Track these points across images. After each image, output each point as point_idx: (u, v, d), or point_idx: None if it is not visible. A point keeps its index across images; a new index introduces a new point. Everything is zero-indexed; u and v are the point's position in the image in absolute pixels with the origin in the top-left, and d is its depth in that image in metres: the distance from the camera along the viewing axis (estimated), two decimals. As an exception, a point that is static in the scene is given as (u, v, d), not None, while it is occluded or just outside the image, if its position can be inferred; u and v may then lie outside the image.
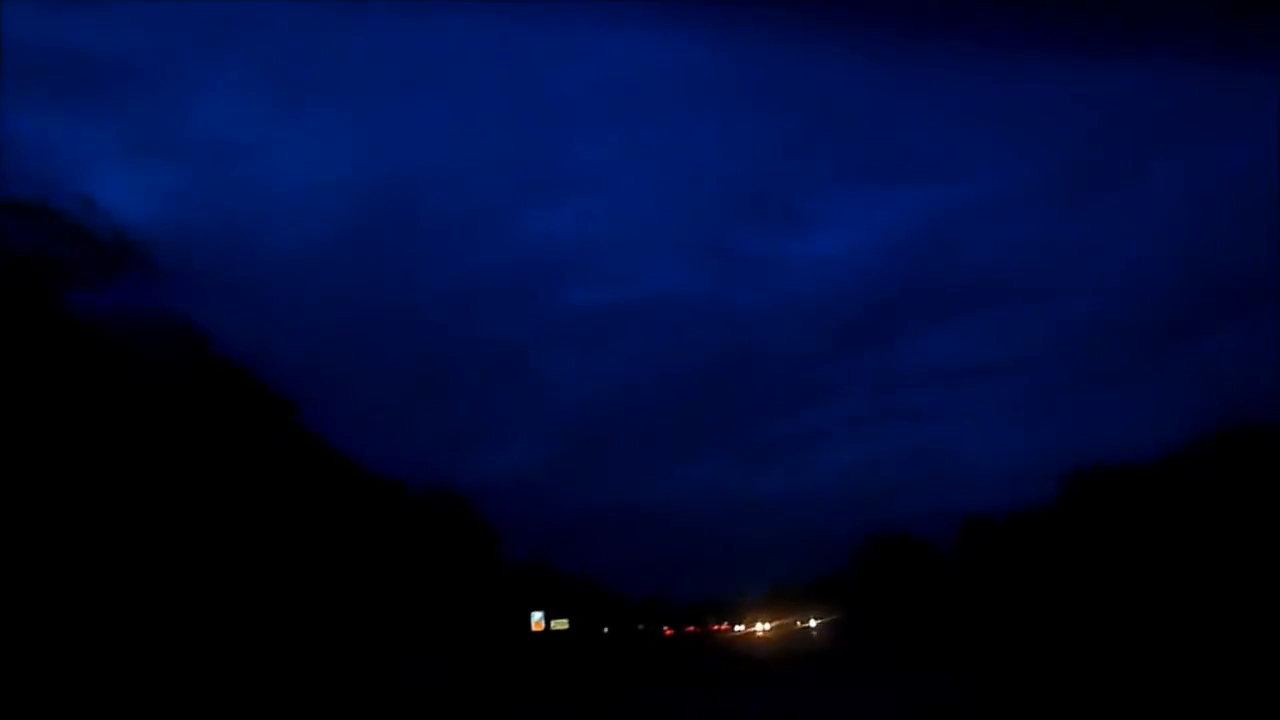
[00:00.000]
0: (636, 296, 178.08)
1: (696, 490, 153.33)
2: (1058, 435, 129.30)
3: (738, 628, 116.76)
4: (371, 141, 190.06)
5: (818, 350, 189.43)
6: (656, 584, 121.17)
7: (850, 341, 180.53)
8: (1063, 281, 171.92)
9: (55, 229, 25.05)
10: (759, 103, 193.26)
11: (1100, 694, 17.45)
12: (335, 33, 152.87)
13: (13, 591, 17.28)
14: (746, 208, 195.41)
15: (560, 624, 69.24)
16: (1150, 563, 28.11)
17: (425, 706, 26.58)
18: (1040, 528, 40.04)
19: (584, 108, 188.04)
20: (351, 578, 33.93)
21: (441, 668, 31.20)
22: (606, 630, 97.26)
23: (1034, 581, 35.47)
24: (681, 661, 49.17)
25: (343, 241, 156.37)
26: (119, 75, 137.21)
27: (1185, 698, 15.34)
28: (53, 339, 21.25)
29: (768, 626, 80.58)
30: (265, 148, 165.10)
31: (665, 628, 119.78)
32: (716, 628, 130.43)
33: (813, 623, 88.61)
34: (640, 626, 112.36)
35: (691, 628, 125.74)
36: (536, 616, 56.17)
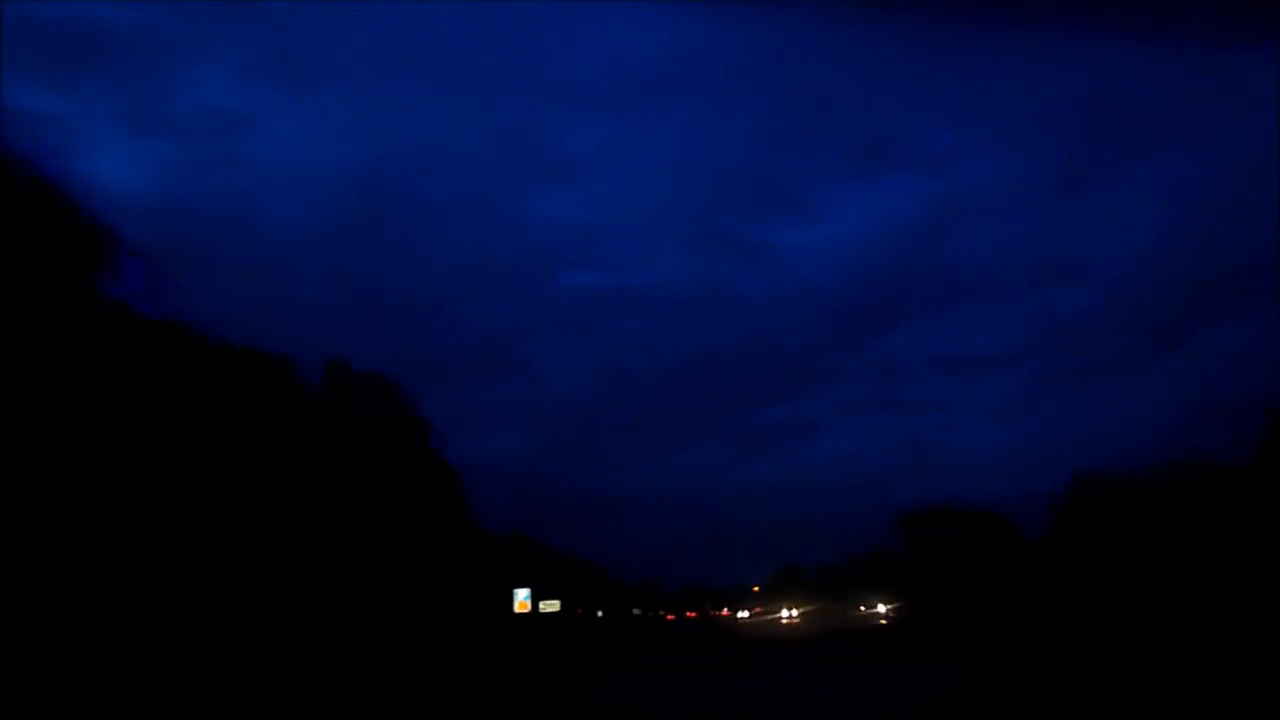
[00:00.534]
0: (634, 282, 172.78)
1: (691, 477, 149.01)
2: (1054, 427, 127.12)
3: (740, 614, 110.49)
4: (369, 121, 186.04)
5: (815, 339, 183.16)
6: (649, 570, 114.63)
7: (847, 331, 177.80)
8: (1060, 273, 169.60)
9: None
10: (758, 90, 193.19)
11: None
12: (334, 11, 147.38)
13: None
14: (745, 195, 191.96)
15: (550, 605, 63.68)
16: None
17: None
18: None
19: (584, 92, 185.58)
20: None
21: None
22: (601, 614, 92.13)
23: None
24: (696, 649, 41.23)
25: (337, 222, 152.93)
26: (114, 47, 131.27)
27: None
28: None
29: (795, 613, 73.48)
30: (259, 125, 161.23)
31: (667, 613, 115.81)
32: (716, 612, 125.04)
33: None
34: (636, 611, 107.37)
35: (691, 613, 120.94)
36: (521, 595, 47.00)
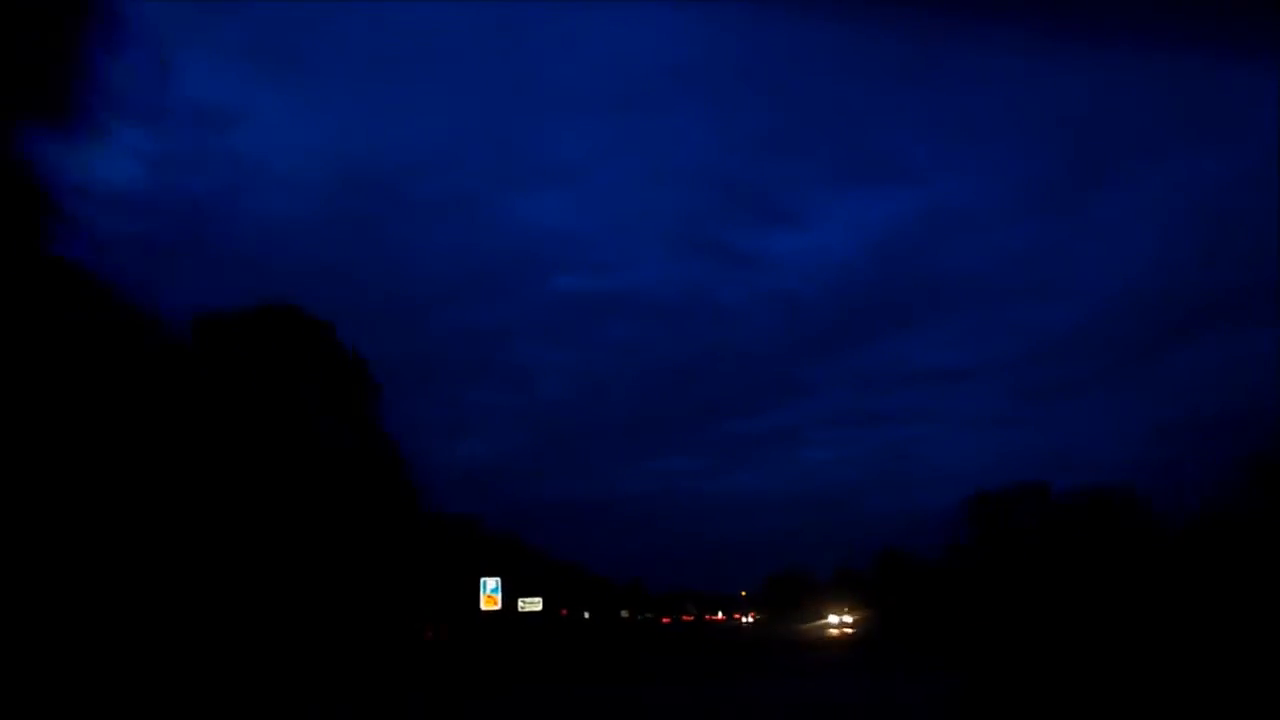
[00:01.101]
0: (619, 287, 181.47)
1: (671, 483, 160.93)
2: (1030, 439, 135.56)
3: (745, 619, 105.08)
4: (357, 120, 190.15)
5: (796, 349, 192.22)
6: (629, 574, 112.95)
7: (828, 341, 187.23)
8: (1041, 289, 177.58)
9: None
10: (748, 99, 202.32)
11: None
12: (324, 9, 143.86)
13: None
14: (732, 203, 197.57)
15: (532, 604, 58.48)
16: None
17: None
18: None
19: (574, 96, 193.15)
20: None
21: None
22: (587, 615, 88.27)
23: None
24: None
25: (323, 220, 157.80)
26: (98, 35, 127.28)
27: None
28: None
29: (847, 620, 65.69)
30: (249, 118, 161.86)
31: (662, 616, 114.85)
32: (710, 617, 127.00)
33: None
34: (624, 613, 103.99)
35: (687, 616, 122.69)
36: (489, 587, 38.79)
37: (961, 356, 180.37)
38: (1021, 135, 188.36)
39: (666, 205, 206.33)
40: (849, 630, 62.97)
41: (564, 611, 79.20)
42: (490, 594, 38.18)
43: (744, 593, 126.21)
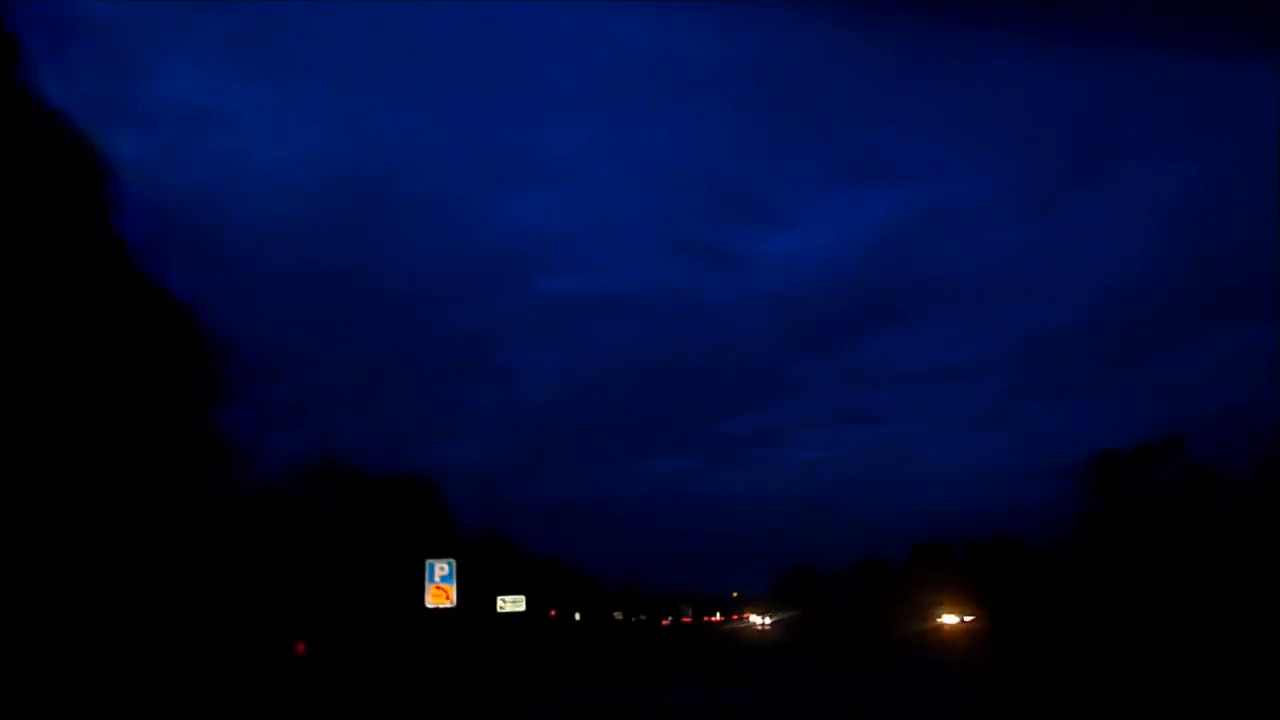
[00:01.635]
0: (608, 287, 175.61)
1: (662, 485, 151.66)
2: (1019, 440, 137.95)
3: (764, 620, 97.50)
4: (346, 119, 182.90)
5: (784, 349, 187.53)
6: (619, 576, 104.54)
7: (817, 341, 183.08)
8: (1029, 290, 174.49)
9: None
10: (737, 99, 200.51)
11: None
12: (312, 7, 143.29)
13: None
14: (720, 203, 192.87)
15: (514, 603, 52.87)
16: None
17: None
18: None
19: (563, 96, 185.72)
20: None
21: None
22: (578, 617, 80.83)
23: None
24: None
25: (311, 219, 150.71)
26: (84, 34, 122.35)
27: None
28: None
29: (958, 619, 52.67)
30: (235, 117, 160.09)
31: (662, 618, 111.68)
32: (708, 618, 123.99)
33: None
34: (617, 615, 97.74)
35: (686, 619, 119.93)
36: (439, 575, 28.54)
37: (952, 356, 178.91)
38: (1012, 135, 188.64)
39: (655, 205, 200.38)
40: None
41: (553, 613, 71.04)
42: (440, 584, 28.12)
43: (735, 593, 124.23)
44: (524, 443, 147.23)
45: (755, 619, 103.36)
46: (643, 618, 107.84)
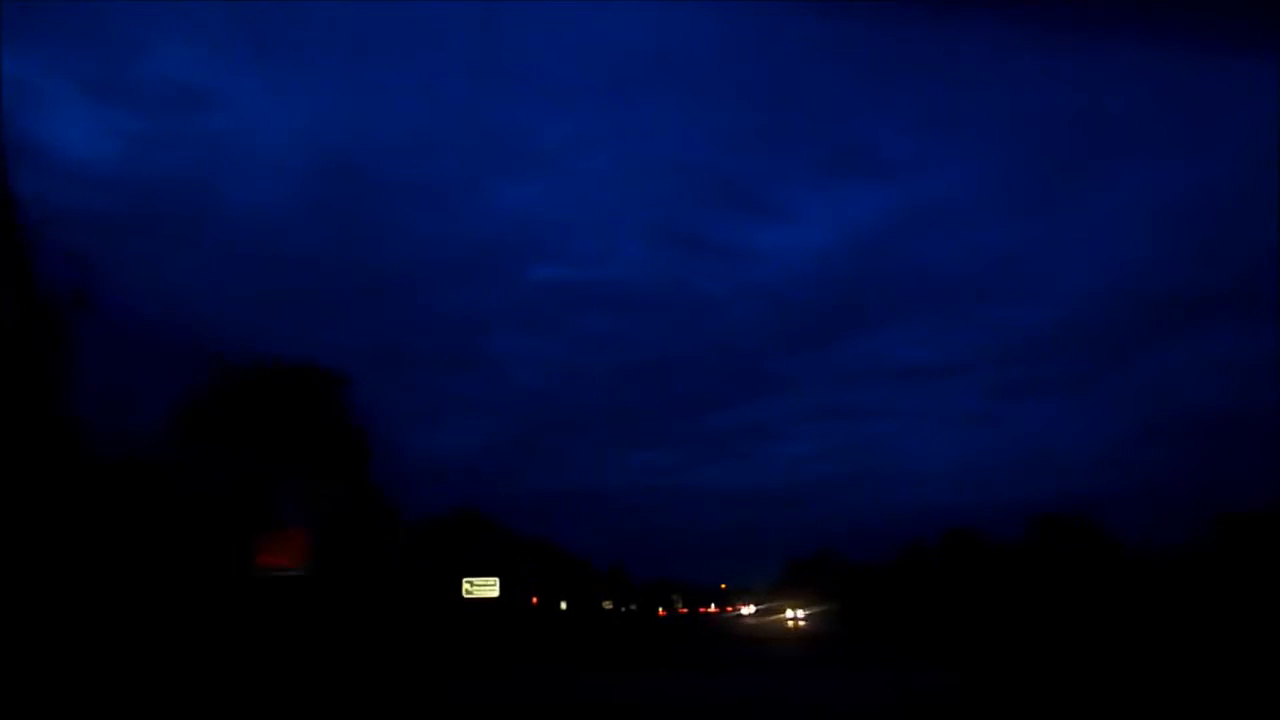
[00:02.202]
0: (598, 277, 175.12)
1: (646, 477, 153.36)
2: (1004, 438, 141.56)
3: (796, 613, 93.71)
4: (339, 103, 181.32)
5: (774, 342, 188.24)
6: (608, 563, 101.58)
7: (807, 335, 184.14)
8: (1019, 288, 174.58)
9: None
10: (730, 91, 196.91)
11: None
12: None
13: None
14: (712, 195, 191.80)
15: (484, 587, 47.48)
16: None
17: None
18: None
19: (554, 86, 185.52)
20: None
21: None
22: (564, 606, 76.53)
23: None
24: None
25: (299, 204, 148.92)
26: (78, 10, 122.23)
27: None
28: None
29: None
30: (228, 99, 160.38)
31: (659, 609, 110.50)
32: (703, 609, 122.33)
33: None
34: (606, 604, 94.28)
35: (683, 609, 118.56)
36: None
37: (941, 353, 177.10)
38: (1004, 133, 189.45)
39: (646, 196, 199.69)
40: None
41: (534, 600, 66.22)
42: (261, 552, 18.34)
43: (723, 585, 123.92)
44: (510, 431, 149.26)
45: (746, 611, 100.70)
46: (633, 607, 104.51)
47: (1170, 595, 25.21)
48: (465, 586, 46.85)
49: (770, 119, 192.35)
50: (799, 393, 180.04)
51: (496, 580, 48.56)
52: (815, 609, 62.23)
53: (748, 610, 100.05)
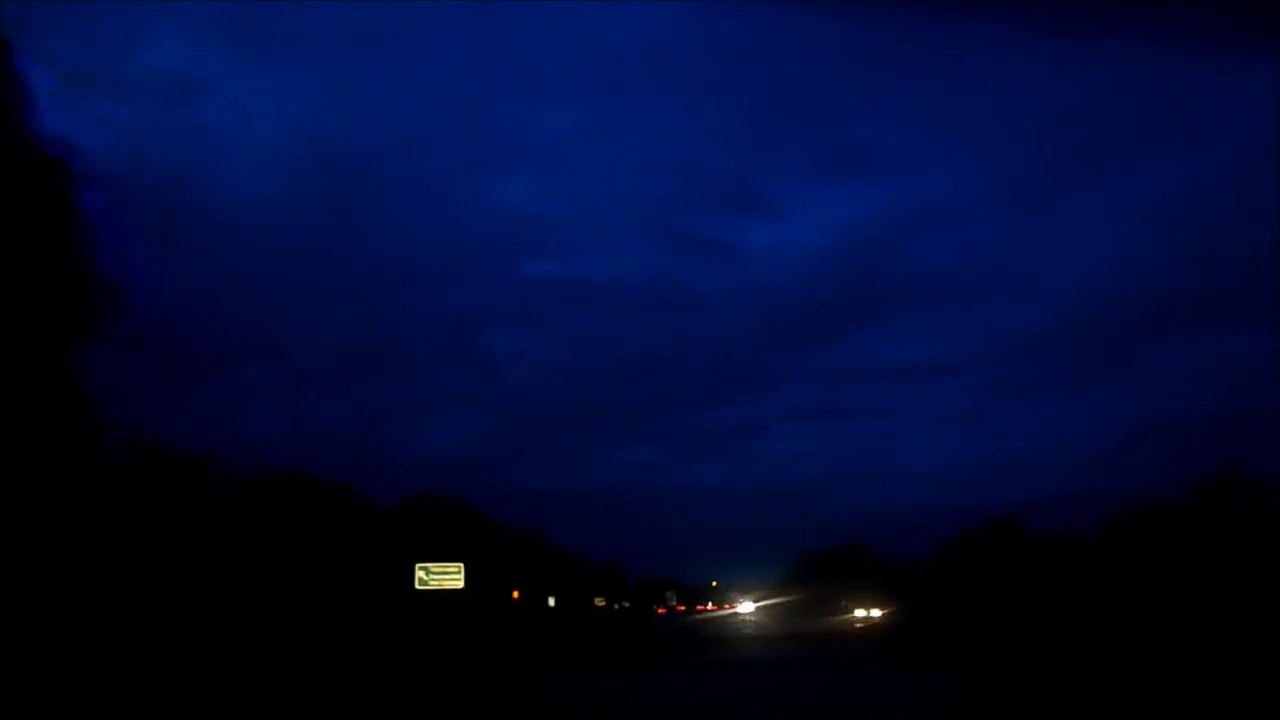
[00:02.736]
0: (592, 275, 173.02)
1: (638, 475, 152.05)
2: (999, 437, 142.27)
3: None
4: (331, 97, 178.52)
5: (767, 341, 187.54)
6: (603, 558, 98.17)
7: (800, 334, 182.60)
8: (1015, 288, 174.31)
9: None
10: (727, 88, 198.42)
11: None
12: None
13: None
14: (707, 193, 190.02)
15: (444, 576, 41.89)
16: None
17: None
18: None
19: (550, 82, 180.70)
20: None
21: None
22: (552, 602, 71.94)
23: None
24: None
25: (291, 197, 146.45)
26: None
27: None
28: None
29: None
30: (219, 91, 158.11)
31: (658, 607, 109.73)
32: (701, 607, 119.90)
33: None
34: (599, 601, 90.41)
35: (680, 606, 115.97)
36: None
37: (935, 352, 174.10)
38: (999, 132, 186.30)
39: (641, 193, 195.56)
40: None
41: (515, 595, 60.46)
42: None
43: (714, 582, 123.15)
44: (503, 428, 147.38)
45: (743, 609, 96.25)
46: (626, 605, 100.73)
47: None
48: (419, 575, 40.33)
49: (765, 117, 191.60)
50: (792, 391, 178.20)
51: (461, 568, 42.03)
52: (884, 609, 56.37)
53: (745, 608, 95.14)
